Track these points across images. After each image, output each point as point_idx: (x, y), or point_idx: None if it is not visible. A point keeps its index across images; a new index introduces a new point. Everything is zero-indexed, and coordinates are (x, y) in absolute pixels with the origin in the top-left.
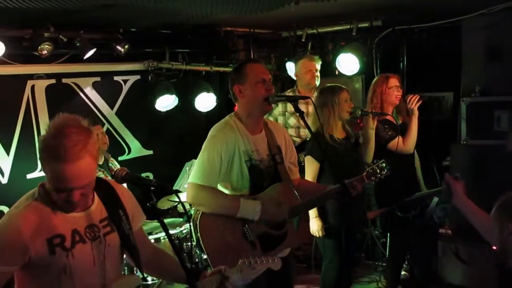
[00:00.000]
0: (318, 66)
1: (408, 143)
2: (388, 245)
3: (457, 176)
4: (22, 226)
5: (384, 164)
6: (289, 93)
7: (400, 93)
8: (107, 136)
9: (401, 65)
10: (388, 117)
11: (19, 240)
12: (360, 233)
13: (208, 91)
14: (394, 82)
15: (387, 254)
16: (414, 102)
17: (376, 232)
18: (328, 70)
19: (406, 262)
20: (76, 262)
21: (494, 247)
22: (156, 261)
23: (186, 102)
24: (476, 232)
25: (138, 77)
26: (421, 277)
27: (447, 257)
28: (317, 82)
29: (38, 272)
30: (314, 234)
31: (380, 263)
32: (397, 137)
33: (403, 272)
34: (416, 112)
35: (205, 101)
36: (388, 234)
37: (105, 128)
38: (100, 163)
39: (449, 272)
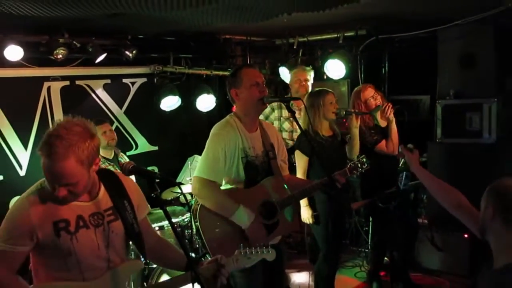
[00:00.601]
0: (309, 76)
1: (390, 146)
2: (370, 232)
3: (411, 147)
4: (30, 210)
5: (364, 159)
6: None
7: (378, 100)
8: (115, 133)
9: (383, 71)
10: (372, 124)
11: (27, 222)
12: (346, 222)
13: (208, 92)
14: (368, 93)
15: (370, 241)
16: (389, 111)
17: (360, 221)
18: (317, 74)
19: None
20: (80, 246)
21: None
22: (159, 250)
23: (188, 102)
24: (450, 222)
25: (144, 79)
26: (400, 262)
27: (423, 244)
28: (307, 91)
29: (47, 254)
30: (305, 222)
31: (363, 249)
32: (382, 141)
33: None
34: (392, 119)
35: (206, 102)
36: (371, 223)
37: (114, 126)
38: (110, 157)
39: (425, 257)
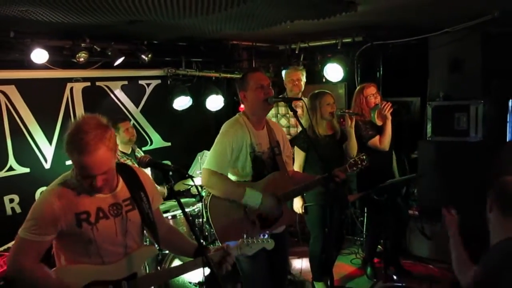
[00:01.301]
0: (302, 76)
1: (383, 142)
2: (365, 223)
3: (451, 210)
4: (55, 202)
5: (364, 157)
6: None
7: (378, 99)
8: (134, 130)
9: (378, 74)
10: (370, 118)
11: (52, 213)
12: (343, 213)
13: (217, 93)
14: (370, 91)
15: (364, 230)
16: (387, 109)
17: (355, 212)
18: (317, 77)
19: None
20: (100, 234)
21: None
22: (170, 238)
23: (198, 102)
24: (439, 213)
25: (159, 81)
26: (393, 250)
27: (414, 234)
28: (301, 89)
29: (70, 242)
30: (297, 211)
31: (358, 238)
32: (377, 136)
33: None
34: (389, 117)
35: (214, 102)
36: (366, 214)
37: (131, 124)
38: (128, 152)
39: (416, 246)
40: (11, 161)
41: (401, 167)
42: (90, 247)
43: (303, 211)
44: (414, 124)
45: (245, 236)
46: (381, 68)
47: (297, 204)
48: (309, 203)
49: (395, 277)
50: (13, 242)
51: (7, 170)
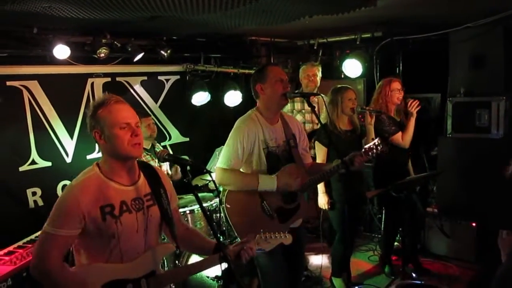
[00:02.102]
0: (317, 72)
1: (405, 139)
2: (383, 220)
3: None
4: (80, 195)
5: (378, 142)
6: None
7: (401, 95)
8: (155, 126)
9: (397, 70)
10: (391, 114)
11: (78, 207)
12: (361, 209)
13: (235, 89)
14: (396, 85)
15: (382, 227)
16: (414, 106)
17: (373, 209)
18: (335, 73)
19: (398, 235)
20: (123, 229)
21: None
22: (188, 237)
23: (216, 98)
24: (458, 211)
25: (177, 77)
26: (410, 248)
27: (432, 231)
28: (316, 85)
29: (92, 237)
30: (322, 207)
31: (376, 235)
32: (399, 132)
33: (395, 243)
34: (414, 115)
35: (233, 98)
36: (384, 211)
37: (152, 120)
38: (148, 147)
39: (434, 244)
40: (34, 155)
41: (420, 164)
42: (112, 242)
43: (328, 207)
44: (434, 120)
45: (262, 231)
46: (401, 64)
47: (322, 201)
48: (333, 200)
49: (413, 274)
50: (36, 234)
51: (30, 164)
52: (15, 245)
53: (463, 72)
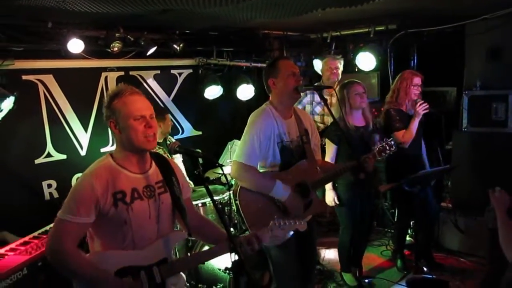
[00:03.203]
0: (340, 65)
1: (406, 137)
2: (396, 214)
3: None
4: (94, 183)
5: (392, 142)
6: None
7: (419, 91)
8: (171, 123)
9: (412, 63)
10: (403, 107)
11: (92, 194)
12: (373, 204)
13: (247, 83)
14: (417, 81)
15: (395, 222)
16: (422, 108)
17: (386, 204)
18: (349, 67)
19: (411, 230)
20: (134, 215)
21: None
22: (201, 227)
23: (229, 92)
24: (473, 207)
25: (190, 70)
26: (423, 243)
27: (446, 226)
28: (338, 78)
29: (104, 222)
30: (329, 204)
31: (389, 230)
32: (402, 130)
33: (408, 238)
34: (419, 116)
35: (245, 91)
36: (396, 205)
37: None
38: (160, 141)
39: (448, 239)
40: (49, 148)
41: (435, 158)
42: (125, 228)
43: (337, 203)
44: (449, 114)
45: (276, 218)
46: (415, 57)
47: (330, 197)
48: (341, 194)
49: (426, 269)
50: (51, 225)
51: (46, 157)
52: (31, 236)
53: (479, 65)
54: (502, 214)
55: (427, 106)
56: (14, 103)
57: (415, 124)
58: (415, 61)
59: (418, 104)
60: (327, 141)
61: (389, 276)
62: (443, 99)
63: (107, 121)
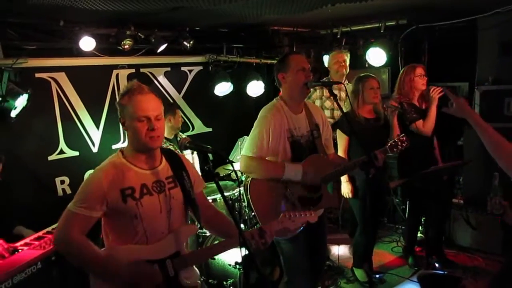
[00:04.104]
0: (346, 58)
1: (427, 126)
2: (407, 210)
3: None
4: (102, 178)
5: (404, 138)
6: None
7: (425, 81)
8: (181, 119)
9: (423, 58)
10: (414, 101)
11: (100, 189)
12: (383, 200)
13: (257, 79)
14: (420, 71)
15: (406, 218)
16: (436, 92)
17: (397, 200)
18: (359, 62)
19: (422, 226)
20: (144, 210)
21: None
22: (215, 220)
23: (239, 88)
24: (484, 202)
25: (200, 67)
26: (434, 239)
27: (458, 223)
28: (346, 71)
29: (115, 217)
30: (345, 196)
31: (399, 226)
32: (420, 120)
33: (419, 234)
34: (435, 101)
35: (255, 88)
36: (407, 201)
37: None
38: (171, 137)
39: (459, 235)
40: (62, 145)
41: (446, 154)
42: (136, 223)
43: (352, 195)
44: None
45: (286, 211)
46: (426, 52)
47: (346, 189)
48: (359, 189)
49: (437, 265)
50: None
51: (58, 153)
52: (44, 231)
53: (491, 60)
54: (476, 117)
55: (441, 89)
56: (28, 100)
57: (433, 111)
58: (426, 56)
59: (431, 89)
60: (338, 132)
61: (400, 273)
62: (455, 94)
63: (119, 118)
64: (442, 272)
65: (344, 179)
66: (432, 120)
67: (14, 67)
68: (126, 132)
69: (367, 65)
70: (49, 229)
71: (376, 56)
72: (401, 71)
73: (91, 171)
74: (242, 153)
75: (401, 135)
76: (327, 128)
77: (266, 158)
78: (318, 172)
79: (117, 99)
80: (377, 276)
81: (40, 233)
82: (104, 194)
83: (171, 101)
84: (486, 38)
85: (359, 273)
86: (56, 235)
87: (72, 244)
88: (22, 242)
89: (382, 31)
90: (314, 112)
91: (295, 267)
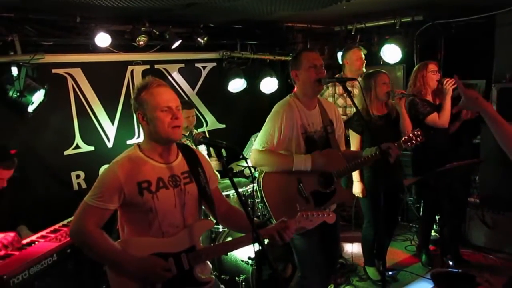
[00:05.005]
0: (363, 55)
1: (442, 118)
2: (421, 209)
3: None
4: (118, 171)
5: (419, 132)
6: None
7: (438, 77)
8: (195, 119)
9: (439, 55)
10: (427, 97)
11: (116, 182)
12: (398, 198)
13: (271, 76)
14: (432, 67)
15: (420, 216)
16: (450, 84)
17: (411, 198)
18: (374, 59)
19: (436, 224)
20: (160, 204)
21: None
22: (230, 215)
23: (253, 85)
24: (501, 202)
25: (214, 64)
26: (449, 238)
27: (473, 222)
28: (364, 69)
29: (132, 210)
30: (356, 195)
31: (413, 225)
32: (435, 113)
33: (433, 233)
34: (450, 92)
35: (269, 85)
36: (422, 199)
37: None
38: (186, 134)
39: (475, 235)
40: (78, 140)
41: (462, 153)
42: (151, 217)
43: (364, 195)
44: None
45: (298, 208)
46: (442, 49)
47: (357, 189)
48: (367, 186)
49: (451, 263)
50: None
51: (74, 148)
52: (60, 224)
53: (509, 56)
54: (490, 109)
55: (454, 81)
56: (45, 95)
57: (448, 103)
58: (442, 53)
59: (445, 81)
60: (350, 131)
61: (414, 271)
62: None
63: (135, 113)
64: (456, 270)
65: (355, 178)
66: (448, 111)
67: (31, 63)
68: (142, 127)
69: (381, 62)
70: (65, 222)
71: (391, 53)
72: (414, 69)
73: (106, 166)
74: (253, 147)
75: (416, 130)
76: (340, 125)
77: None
78: (330, 162)
79: (133, 95)
80: (390, 273)
81: (56, 226)
82: (120, 186)
83: (185, 97)
84: (504, 35)
85: (371, 272)
86: (72, 227)
87: (87, 236)
88: (38, 235)
89: (397, 27)
90: (328, 108)
91: (308, 263)
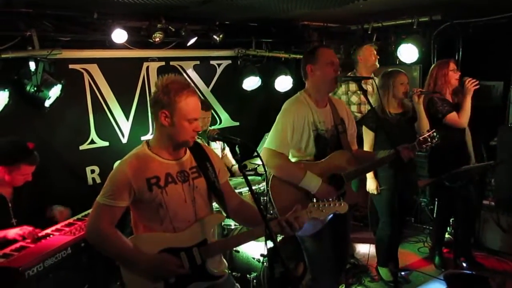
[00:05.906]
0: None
1: (462, 117)
2: (435, 210)
3: None
4: (127, 169)
5: (435, 134)
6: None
7: (458, 75)
8: (210, 120)
9: (457, 56)
10: (447, 96)
11: (125, 179)
12: (411, 199)
13: (286, 74)
14: (453, 66)
15: (434, 218)
16: (472, 84)
17: (424, 200)
18: (390, 59)
19: (450, 227)
20: (169, 199)
21: None
22: (241, 210)
23: (267, 83)
24: None
25: (229, 61)
26: (463, 240)
27: (488, 225)
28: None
29: (142, 206)
30: (371, 192)
31: (427, 227)
32: (454, 112)
33: (447, 235)
34: (471, 92)
35: (283, 83)
36: (436, 201)
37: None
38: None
39: (489, 238)
40: (93, 135)
41: (478, 154)
42: (161, 211)
43: (378, 191)
44: (495, 109)
45: (314, 200)
46: (460, 50)
47: (371, 186)
48: (383, 187)
49: (465, 265)
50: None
51: (89, 143)
52: (75, 218)
53: None
54: None
55: (477, 81)
56: (61, 91)
57: (468, 102)
58: (460, 53)
59: (467, 80)
60: (364, 128)
61: (426, 273)
62: (488, 93)
63: (157, 110)
64: (469, 272)
65: (369, 175)
66: (468, 111)
67: (49, 58)
68: (158, 125)
69: (397, 62)
70: (79, 216)
71: (408, 53)
72: (432, 66)
73: (119, 161)
74: (265, 145)
75: (432, 131)
76: (352, 123)
77: (290, 153)
78: (333, 189)
79: (159, 90)
80: (403, 273)
81: (71, 220)
82: (129, 183)
83: (200, 94)
84: None
85: (383, 272)
86: (87, 228)
87: (102, 237)
88: (53, 228)
89: (414, 27)
90: (339, 106)
91: (319, 266)
